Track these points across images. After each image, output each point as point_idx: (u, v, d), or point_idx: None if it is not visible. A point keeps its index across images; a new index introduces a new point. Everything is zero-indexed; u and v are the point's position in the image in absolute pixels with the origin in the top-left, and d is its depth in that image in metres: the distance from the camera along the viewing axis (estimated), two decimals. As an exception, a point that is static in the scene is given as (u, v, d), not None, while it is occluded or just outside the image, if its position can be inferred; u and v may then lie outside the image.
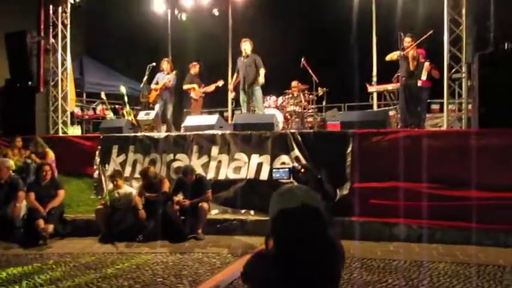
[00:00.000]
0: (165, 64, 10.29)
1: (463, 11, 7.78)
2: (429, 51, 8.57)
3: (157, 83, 10.08)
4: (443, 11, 8.05)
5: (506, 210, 6.05)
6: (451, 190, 6.37)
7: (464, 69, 8.02)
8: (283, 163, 7.22)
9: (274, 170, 2.04)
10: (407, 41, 8.51)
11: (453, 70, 8.07)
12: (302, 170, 2.16)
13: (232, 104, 11.85)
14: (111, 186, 7.43)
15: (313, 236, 1.79)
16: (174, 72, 10.29)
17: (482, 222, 5.99)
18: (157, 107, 10.12)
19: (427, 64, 8.47)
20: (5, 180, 7.24)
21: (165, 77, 10.04)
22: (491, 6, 6.79)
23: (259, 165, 7.34)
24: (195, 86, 10.85)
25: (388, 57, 8.93)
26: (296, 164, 1.97)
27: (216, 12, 12.67)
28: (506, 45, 6.65)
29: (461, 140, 6.68)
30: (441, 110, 9.81)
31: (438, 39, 8.17)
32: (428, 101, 9.52)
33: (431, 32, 8.20)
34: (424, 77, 8.51)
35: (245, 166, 7.45)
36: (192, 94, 10.87)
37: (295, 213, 1.81)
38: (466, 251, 5.86)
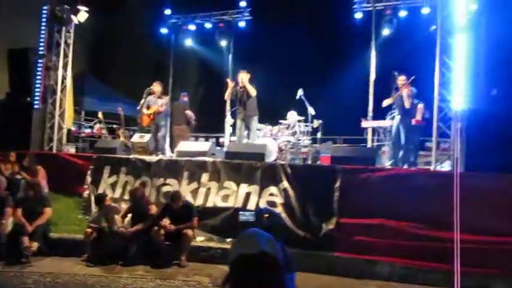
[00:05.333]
0: (157, 87, 10.30)
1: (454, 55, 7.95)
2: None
3: (148, 107, 10.12)
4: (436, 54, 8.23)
5: (489, 254, 6.06)
6: (435, 231, 6.37)
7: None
8: (272, 194, 7.28)
9: (240, 213, 2.08)
10: (401, 79, 8.66)
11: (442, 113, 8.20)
12: (267, 215, 2.21)
13: (230, 129, 11.96)
14: (97, 209, 7.45)
15: (267, 284, 1.83)
16: (167, 96, 10.35)
17: (465, 266, 5.98)
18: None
19: (420, 106, 8.62)
20: (-6, 196, 7.27)
21: (157, 101, 10.09)
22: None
23: (248, 195, 7.36)
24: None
25: (385, 103, 9.07)
26: (263, 208, 2.01)
27: (221, 42, 13.02)
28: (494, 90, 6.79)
29: (446, 180, 6.71)
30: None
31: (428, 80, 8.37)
32: (423, 138, 9.63)
33: (413, 77, 8.44)
34: (418, 117, 8.66)
35: (233, 195, 7.48)
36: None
37: (252, 259, 1.86)
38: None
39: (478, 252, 6.06)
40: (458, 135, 7.32)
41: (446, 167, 8.11)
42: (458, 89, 7.53)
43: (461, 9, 7.90)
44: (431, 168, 8.12)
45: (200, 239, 7.25)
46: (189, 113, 11.68)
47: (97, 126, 13.35)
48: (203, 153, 8.43)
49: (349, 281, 6.25)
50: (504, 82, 7.20)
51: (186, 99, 12.06)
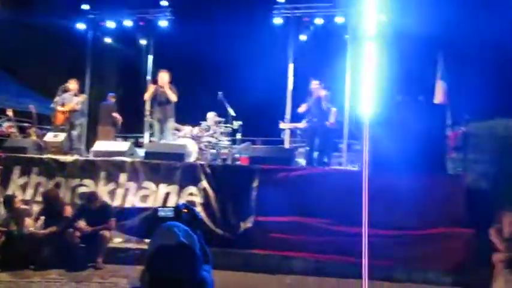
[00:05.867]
0: (73, 85, 9.99)
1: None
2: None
3: (63, 105, 9.75)
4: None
5: (392, 247, 6.57)
6: (345, 226, 6.79)
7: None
8: (191, 194, 7.36)
9: (159, 209, 2.13)
10: (315, 83, 9.11)
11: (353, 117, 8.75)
12: (185, 210, 2.30)
13: (149, 130, 11.82)
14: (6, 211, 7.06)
15: (184, 273, 1.94)
16: (83, 95, 10.07)
17: (372, 259, 6.44)
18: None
19: (334, 109, 9.11)
20: None
21: (73, 99, 9.76)
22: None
23: (167, 195, 7.38)
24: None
25: (300, 109, 9.48)
26: (181, 204, 2.08)
27: (141, 41, 12.82)
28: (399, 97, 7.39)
29: (355, 180, 7.16)
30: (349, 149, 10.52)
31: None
32: (336, 140, 10.17)
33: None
34: (332, 120, 9.15)
35: (153, 195, 7.45)
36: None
37: (170, 250, 1.95)
38: (356, 284, 6.25)
39: (383, 245, 6.56)
40: (367, 137, 7.86)
41: (357, 167, 8.66)
42: (367, 95, 8.06)
43: (370, 20, 8.45)
44: (343, 168, 8.62)
45: (118, 240, 7.14)
46: (117, 115, 11.50)
47: (6, 124, 12.54)
48: (121, 153, 8.28)
49: (265, 276, 6.48)
50: (408, 90, 7.83)
51: (113, 100, 11.80)
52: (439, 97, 8.52)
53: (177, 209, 2.40)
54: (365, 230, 6.28)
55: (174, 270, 1.93)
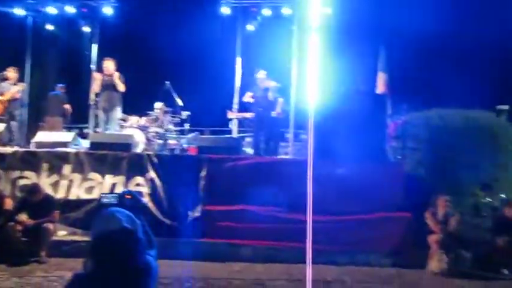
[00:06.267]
0: (11, 73, 9.58)
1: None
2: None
3: (1, 94, 9.35)
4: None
5: (337, 232, 6.83)
6: (292, 214, 6.98)
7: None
8: (138, 184, 7.30)
9: (102, 195, 2.15)
10: (261, 73, 9.22)
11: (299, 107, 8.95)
12: (128, 196, 2.32)
13: (94, 120, 11.53)
14: None
15: (127, 258, 1.97)
16: (22, 84, 9.70)
17: (317, 244, 6.67)
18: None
19: (281, 99, 9.26)
20: None
21: (12, 88, 9.37)
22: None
23: (113, 186, 7.28)
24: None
25: (244, 98, 9.58)
26: (125, 190, 2.10)
27: (85, 28, 12.39)
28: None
29: (301, 168, 7.36)
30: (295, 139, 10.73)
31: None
32: (283, 130, 10.34)
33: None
34: (278, 109, 9.29)
35: (98, 186, 7.33)
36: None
37: (112, 235, 1.98)
38: (301, 269, 6.45)
39: (328, 231, 6.80)
40: (312, 127, 8.07)
41: (302, 156, 8.85)
42: (312, 86, 8.27)
43: (315, 12, 8.63)
44: (289, 157, 8.81)
45: (62, 233, 6.99)
46: (67, 106, 11.15)
47: None
48: (64, 144, 8.07)
49: (214, 265, 6.55)
50: (351, 80, 8.10)
51: (63, 91, 11.40)
52: (380, 88, 8.86)
53: (120, 195, 2.41)
54: (309, 216, 6.49)
55: (117, 255, 1.95)
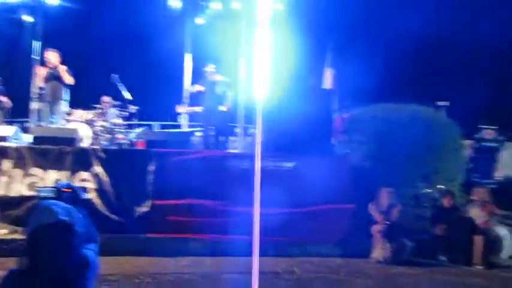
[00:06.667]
0: None
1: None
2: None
3: None
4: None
5: (286, 224, 6.94)
6: (241, 207, 7.00)
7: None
8: (83, 180, 7.10)
9: (39, 189, 2.08)
10: (210, 67, 9.18)
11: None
12: (67, 190, 2.26)
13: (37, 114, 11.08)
14: None
15: (62, 250, 1.92)
16: None
17: (267, 236, 6.75)
18: None
19: (230, 93, 9.26)
20: None
21: None
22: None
23: (57, 182, 7.05)
24: None
25: (195, 89, 9.51)
26: (62, 183, 2.04)
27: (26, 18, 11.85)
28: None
29: (248, 162, 7.41)
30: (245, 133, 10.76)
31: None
32: (232, 124, 10.35)
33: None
34: (228, 104, 9.27)
35: (41, 182, 7.06)
36: None
37: (48, 228, 1.92)
38: (251, 261, 6.50)
39: (277, 223, 6.88)
40: (261, 121, 8.13)
41: (251, 150, 8.91)
42: (261, 80, 8.32)
43: (265, 7, 8.69)
44: (238, 151, 8.84)
45: (2, 232, 6.71)
46: (5, 99, 10.58)
47: None
48: (3, 139, 7.72)
49: (162, 260, 6.50)
50: (299, 76, 8.22)
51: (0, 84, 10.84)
52: (327, 83, 9.04)
53: (57, 188, 2.33)
54: (256, 209, 6.54)
55: (52, 248, 1.89)
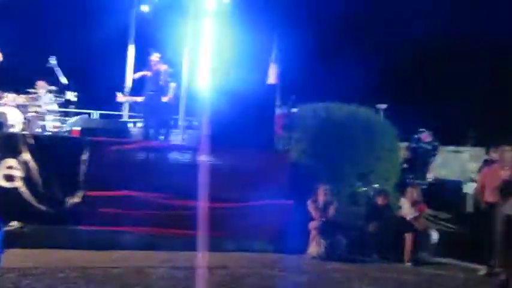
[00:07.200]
0: None
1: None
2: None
3: None
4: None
5: (223, 219, 6.86)
6: (178, 200, 6.89)
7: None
8: (10, 167, 6.67)
9: None
10: (155, 55, 8.92)
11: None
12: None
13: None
14: None
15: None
16: None
17: (203, 230, 6.63)
18: None
19: (173, 85, 9.04)
20: None
21: None
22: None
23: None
24: None
25: (136, 76, 9.23)
26: None
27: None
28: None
29: (191, 154, 7.29)
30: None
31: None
32: (175, 116, 10.15)
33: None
34: (170, 95, 9.05)
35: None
36: None
37: None
38: (186, 256, 6.40)
39: (214, 218, 6.79)
40: (205, 114, 8.02)
41: (192, 142, 8.76)
42: (205, 71, 8.22)
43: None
44: (179, 143, 8.67)
45: None
46: None
47: None
48: None
49: (94, 253, 6.25)
50: (243, 68, 8.16)
51: None
52: (271, 78, 9.05)
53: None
54: (202, 203, 6.44)
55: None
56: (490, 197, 6.53)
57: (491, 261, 6.51)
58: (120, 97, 10.20)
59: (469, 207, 9.31)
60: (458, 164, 11.23)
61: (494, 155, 7.03)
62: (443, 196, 10.21)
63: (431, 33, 14.63)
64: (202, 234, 6.58)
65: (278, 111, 8.78)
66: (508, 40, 14.04)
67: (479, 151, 10.85)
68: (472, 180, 9.13)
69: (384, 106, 10.62)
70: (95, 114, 12.62)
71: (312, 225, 7.09)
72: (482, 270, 6.66)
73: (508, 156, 6.43)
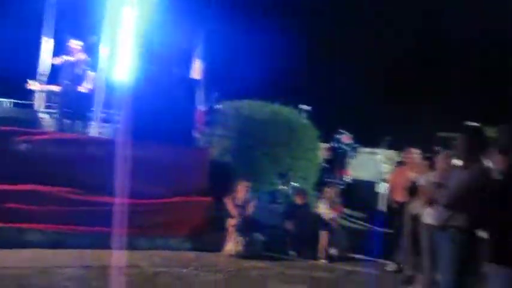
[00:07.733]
0: None
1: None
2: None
3: None
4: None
5: (138, 216, 6.62)
6: (90, 196, 6.56)
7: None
8: None
9: None
10: (75, 43, 8.43)
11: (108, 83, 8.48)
12: None
13: None
14: None
15: None
16: None
17: (116, 227, 6.36)
18: None
19: (92, 74, 8.58)
20: None
21: None
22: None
23: None
24: None
25: (54, 61, 8.68)
26: None
27: None
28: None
29: (105, 148, 6.95)
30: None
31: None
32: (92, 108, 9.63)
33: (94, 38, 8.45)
34: (88, 85, 8.57)
35: None
36: None
37: None
38: (96, 254, 6.10)
39: (129, 214, 6.53)
40: (124, 106, 7.70)
41: (109, 135, 8.40)
42: (123, 62, 7.89)
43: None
44: (93, 136, 8.26)
45: None
46: None
47: None
48: None
49: None
50: (164, 62, 7.93)
51: None
52: (195, 74, 8.89)
53: None
54: (114, 200, 6.16)
55: None
56: (399, 196, 6.84)
57: (398, 258, 6.82)
58: (32, 85, 9.53)
59: (382, 206, 9.75)
60: (373, 165, 11.73)
61: (405, 157, 7.38)
62: (359, 195, 10.65)
63: (357, 33, 15.13)
64: (115, 232, 6.35)
65: (201, 107, 8.66)
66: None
67: (393, 153, 11.44)
68: (385, 181, 9.56)
69: (307, 107, 10.83)
70: (6, 103, 11.73)
71: (230, 222, 7.06)
72: (390, 266, 6.98)
73: (415, 158, 6.76)
